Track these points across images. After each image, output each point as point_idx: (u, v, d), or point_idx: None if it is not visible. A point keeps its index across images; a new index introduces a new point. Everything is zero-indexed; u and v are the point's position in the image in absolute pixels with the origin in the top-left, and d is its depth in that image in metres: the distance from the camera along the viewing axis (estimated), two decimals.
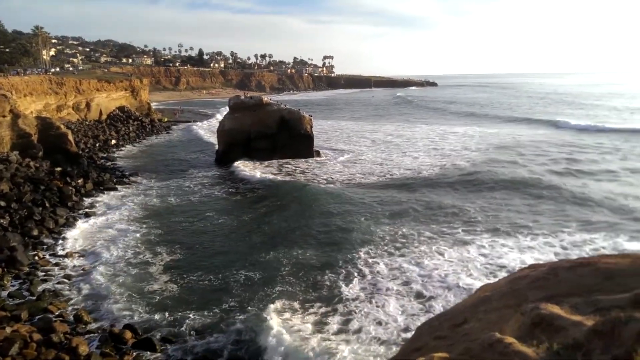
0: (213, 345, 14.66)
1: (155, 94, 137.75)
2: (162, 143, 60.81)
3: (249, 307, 16.77)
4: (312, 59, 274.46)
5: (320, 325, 15.53)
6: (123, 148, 55.07)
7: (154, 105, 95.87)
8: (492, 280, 16.24)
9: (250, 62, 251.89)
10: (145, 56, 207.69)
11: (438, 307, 16.23)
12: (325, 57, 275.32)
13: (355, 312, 16.23)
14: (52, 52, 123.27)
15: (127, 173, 40.06)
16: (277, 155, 45.82)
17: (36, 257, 21.60)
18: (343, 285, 18.36)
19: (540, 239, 22.70)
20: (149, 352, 14.42)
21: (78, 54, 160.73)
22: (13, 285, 18.79)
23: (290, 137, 46.19)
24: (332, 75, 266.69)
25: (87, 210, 29.65)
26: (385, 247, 22.11)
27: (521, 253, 21.06)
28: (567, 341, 3.63)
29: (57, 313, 16.58)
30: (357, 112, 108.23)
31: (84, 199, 31.84)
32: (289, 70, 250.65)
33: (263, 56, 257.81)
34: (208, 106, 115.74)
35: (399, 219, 26.16)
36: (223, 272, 19.88)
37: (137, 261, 21.30)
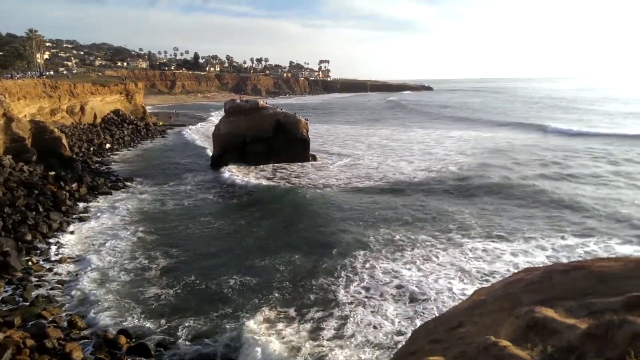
0: (207, 352, 14.55)
1: (150, 97, 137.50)
2: (157, 147, 60.64)
3: (244, 313, 16.66)
4: (308, 63, 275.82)
5: (313, 330, 15.51)
6: (118, 152, 54.88)
7: (149, 109, 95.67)
8: (486, 284, 16.32)
9: (246, 65, 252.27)
10: (140, 59, 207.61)
11: (432, 311, 16.24)
12: (321, 61, 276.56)
13: (350, 317, 16.21)
14: (46, 56, 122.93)
15: (121, 177, 39.89)
16: (273, 159, 45.81)
17: (29, 263, 21.43)
18: (337, 290, 18.34)
19: (533, 242, 22.80)
20: (143, 358, 14.32)
21: (72, 57, 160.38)
22: (6, 291, 18.62)
23: (286, 141, 46.20)
24: (328, 79, 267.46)
25: (81, 214, 29.48)
26: (380, 252, 22.12)
27: (514, 257, 21.13)
28: (561, 344, 3.66)
29: (50, 319, 16.44)
30: (353, 116, 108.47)
31: (78, 203, 31.65)
32: (285, 74, 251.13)
33: (259, 60, 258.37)
34: (204, 110, 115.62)
35: (394, 224, 26.20)
36: (218, 277, 19.81)
37: (131, 266, 21.19)
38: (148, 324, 16.14)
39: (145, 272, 20.53)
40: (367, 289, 18.38)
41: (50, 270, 21.02)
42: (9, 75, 64.28)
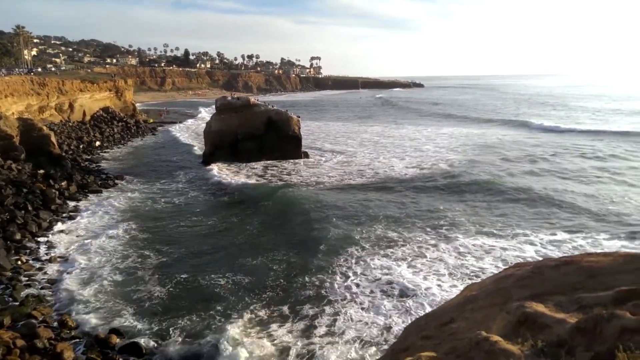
0: (198, 351, 14.43)
1: (140, 94, 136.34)
2: (147, 144, 60.20)
3: (235, 312, 16.58)
4: (299, 60, 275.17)
5: (305, 328, 15.51)
6: (108, 150, 54.38)
7: (139, 106, 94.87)
8: (476, 280, 16.45)
9: (237, 62, 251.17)
10: (129, 56, 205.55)
11: (423, 307, 16.33)
12: (312, 58, 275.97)
13: (341, 314, 16.25)
14: (33, 52, 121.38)
15: (112, 175, 39.56)
16: (265, 157, 45.71)
17: (19, 262, 21.17)
18: (328, 287, 18.37)
19: (522, 238, 23.02)
20: (135, 357, 14.25)
21: (61, 54, 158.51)
22: None
23: (278, 138, 46.11)
24: (320, 76, 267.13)
25: (71, 213, 29.19)
26: (371, 248, 22.20)
27: (504, 252, 21.30)
28: (551, 338, 3.71)
29: (41, 319, 16.25)
30: (344, 113, 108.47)
31: (68, 201, 31.34)
32: (276, 71, 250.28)
33: (250, 57, 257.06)
34: (194, 107, 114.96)
35: (385, 220, 26.28)
36: (210, 276, 19.72)
37: (122, 265, 21.04)
38: (139, 323, 16.04)
39: (136, 271, 20.40)
40: (358, 285, 18.43)
41: (40, 269, 20.80)
42: None
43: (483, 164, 42.12)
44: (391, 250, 21.99)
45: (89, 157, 47.83)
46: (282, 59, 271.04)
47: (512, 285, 5.99)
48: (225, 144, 45.63)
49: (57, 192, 31.51)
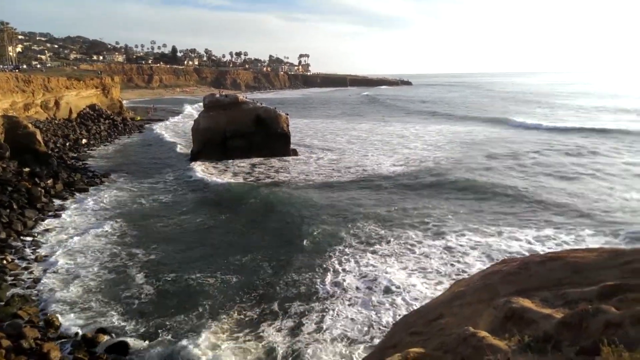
0: (185, 351, 14.28)
1: (127, 92, 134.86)
2: (134, 142, 59.61)
3: (223, 311, 16.51)
4: (288, 57, 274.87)
5: (292, 326, 15.52)
6: (94, 147, 53.75)
7: (126, 103, 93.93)
8: (463, 276, 16.60)
9: (225, 59, 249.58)
10: (116, 53, 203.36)
11: (409, 303, 16.44)
12: (301, 56, 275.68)
13: (328, 311, 16.28)
14: (18, 49, 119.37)
15: (98, 173, 39.13)
16: (254, 154, 45.57)
17: (4, 261, 20.82)
18: (315, 284, 18.40)
19: (508, 234, 23.25)
20: (122, 356, 14.13)
21: (46, 51, 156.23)
22: None
23: (266, 136, 45.99)
24: (308, 73, 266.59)
25: (57, 211, 28.81)
26: (358, 245, 22.27)
27: (490, 248, 21.52)
28: (537, 333, 3.76)
29: (27, 318, 16.03)
30: (333, 110, 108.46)
31: (54, 200, 30.94)
32: (264, 69, 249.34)
33: (238, 54, 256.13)
34: (181, 104, 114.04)
35: (372, 218, 26.33)
36: (198, 274, 19.61)
37: (110, 264, 20.83)
38: (127, 323, 15.90)
39: (123, 270, 20.21)
40: (346, 282, 18.48)
41: (25, 268, 20.51)
42: None
43: (470, 161, 42.46)
44: (379, 246, 22.09)
45: (75, 155, 47.24)
46: (270, 56, 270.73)
47: (499, 281, 6.06)
48: (213, 141, 45.37)
49: (42, 191, 31.06)
